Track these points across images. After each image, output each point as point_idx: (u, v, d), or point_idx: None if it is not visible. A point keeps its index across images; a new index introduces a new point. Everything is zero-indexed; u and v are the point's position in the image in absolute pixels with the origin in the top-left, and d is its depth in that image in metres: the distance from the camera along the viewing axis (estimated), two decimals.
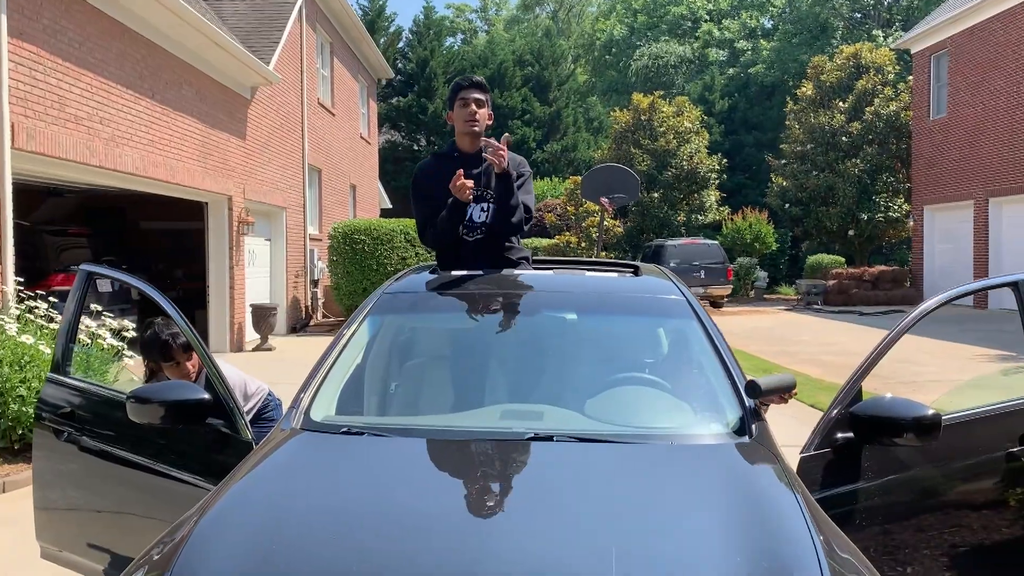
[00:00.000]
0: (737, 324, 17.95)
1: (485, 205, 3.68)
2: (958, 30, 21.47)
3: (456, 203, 3.56)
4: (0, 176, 7.93)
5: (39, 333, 7.05)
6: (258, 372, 5.05)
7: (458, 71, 35.00)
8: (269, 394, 4.33)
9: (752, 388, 2.60)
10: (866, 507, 2.75)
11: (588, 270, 3.81)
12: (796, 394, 2.90)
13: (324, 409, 2.73)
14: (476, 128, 3.67)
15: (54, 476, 3.52)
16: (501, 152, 3.51)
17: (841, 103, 26.37)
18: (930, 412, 2.54)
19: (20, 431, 6.51)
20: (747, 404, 2.64)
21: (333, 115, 20.87)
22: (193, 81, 12.43)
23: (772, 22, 46.78)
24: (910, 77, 25.63)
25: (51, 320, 7.45)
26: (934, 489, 2.86)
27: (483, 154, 3.58)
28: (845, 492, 2.73)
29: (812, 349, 13.81)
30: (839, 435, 2.74)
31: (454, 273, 3.51)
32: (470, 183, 3.51)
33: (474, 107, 3.65)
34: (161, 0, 10.26)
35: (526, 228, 3.76)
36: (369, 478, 2.30)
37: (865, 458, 2.76)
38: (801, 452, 2.75)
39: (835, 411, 2.77)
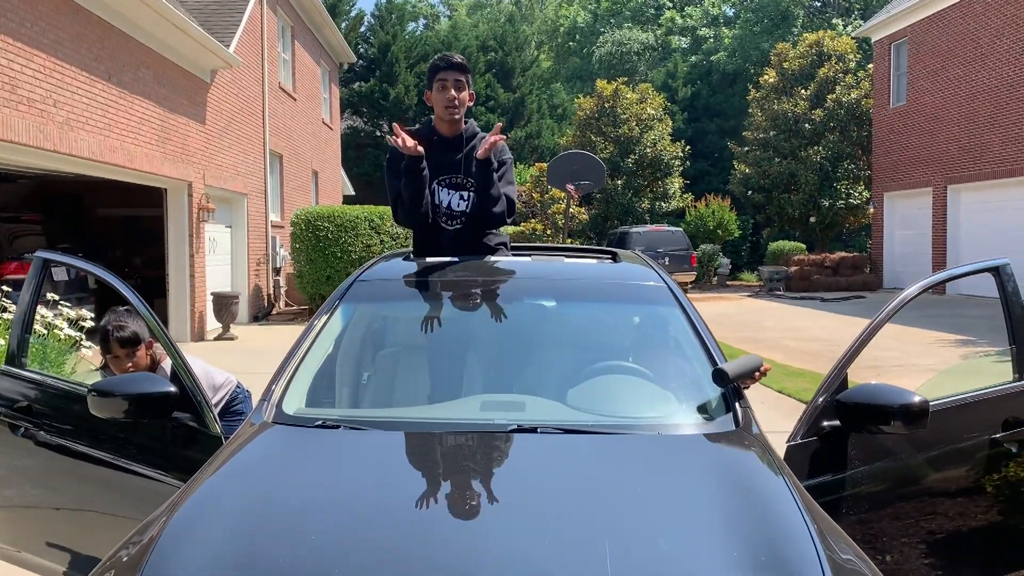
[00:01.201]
0: (702, 310, 17.88)
1: (465, 194, 3.55)
2: (917, 18, 21.73)
3: (410, 163, 3.38)
4: None
5: None
6: (221, 362, 4.92)
7: (421, 56, 34.68)
8: (237, 386, 4.21)
9: (719, 376, 2.54)
10: (853, 495, 2.72)
11: (567, 256, 3.74)
12: (769, 370, 2.81)
13: (297, 401, 2.63)
14: (456, 115, 3.51)
15: (10, 473, 3.37)
16: (495, 139, 3.38)
17: (803, 91, 26.60)
18: (917, 399, 2.51)
19: None
20: (732, 392, 2.59)
21: (294, 100, 20.53)
22: (151, 64, 12.10)
23: (734, 10, 47.03)
24: (871, 65, 25.93)
25: (4, 310, 7.20)
26: (920, 476, 2.85)
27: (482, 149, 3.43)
28: (832, 480, 2.70)
29: (776, 335, 13.93)
30: (825, 423, 2.71)
31: (430, 260, 3.41)
32: (409, 139, 3.34)
33: (453, 91, 3.48)
34: None
35: (509, 220, 3.63)
36: (347, 474, 2.21)
37: (851, 446, 2.73)
38: (788, 441, 2.71)
39: (821, 399, 2.73)
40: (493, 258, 3.54)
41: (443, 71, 3.49)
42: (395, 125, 3.36)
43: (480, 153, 3.41)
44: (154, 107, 12.19)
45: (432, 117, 3.63)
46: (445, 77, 3.48)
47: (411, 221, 3.56)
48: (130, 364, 3.77)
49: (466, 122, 3.62)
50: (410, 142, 3.33)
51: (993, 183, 18.99)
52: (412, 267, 3.38)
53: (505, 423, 2.42)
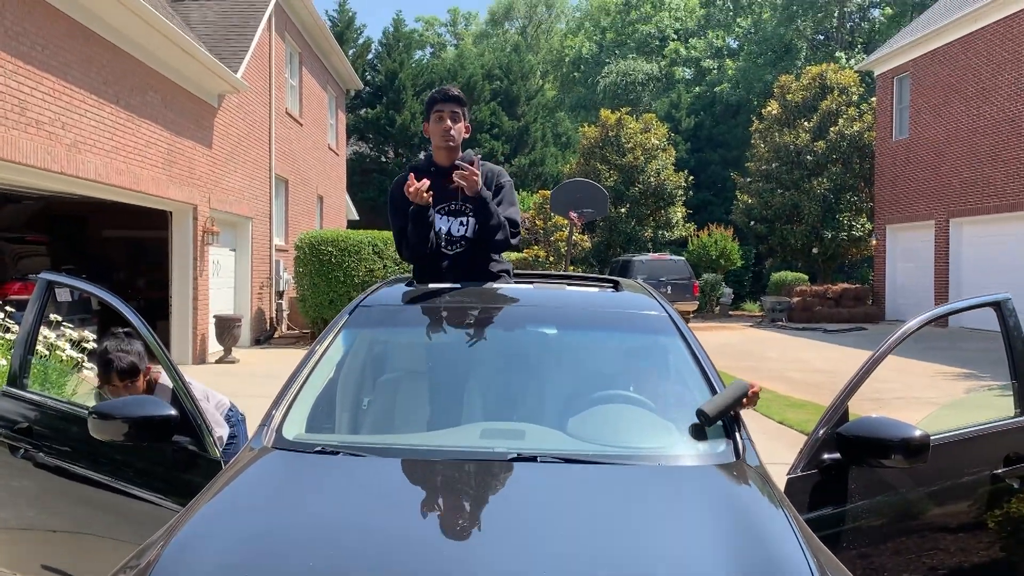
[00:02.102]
0: (704, 340, 17.87)
1: (464, 219, 3.59)
2: (920, 53, 21.90)
3: (417, 210, 3.46)
4: None
5: None
6: (221, 385, 4.91)
7: (427, 84, 34.95)
8: (231, 408, 4.19)
9: (701, 416, 2.53)
10: (854, 528, 2.71)
11: (568, 284, 3.75)
12: (759, 391, 2.74)
13: (296, 427, 2.63)
14: (451, 143, 3.60)
15: (7, 494, 3.36)
16: (473, 177, 3.42)
17: (806, 123, 26.75)
18: (918, 433, 2.51)
19: None
20: (733, 423, 2.58)
21: (301, 125, 20.68)
22: (159, 87, 12.21)
23: (738, 42, 47.46)
24: (873, 98, 26.09)
25: (7, 330, 7.20)
26: (921, 510, 2.83)
27: (454, 176, 3.48)
28: (833, 514, 2.69)
29: (778, 365, 13.90)
30: (826, 456, 2.70)
31: (432, 286, 3.42)
32: (424, 184, 3.40)
33: (449, 122, 3.57)
34: (127, 4, 10.07)
35: (514, 242, 3.68)
36: (346, 500, 2.20)
37: (852, 479, 2.72)
38: (788, 473, 2.70)
39: (822, 431, 2.72)
40: (495, 285, 3.55)
41: (440, 103, 3.60)
42: (411, 175, 3.42)
43: (468, 190, 3.45)
44: (161, 130, 12.28)
45: (431, 150, 3.70)
46: (441, 109, 3.59)
47: (416, 260, 3.64)
48: (135, 387, 3.78)
49: (462, 152, 3.69)
50: (424, 193, 3.40)
51: (995, 217, 19.03)
52: (414, 293, 3.39)
53: (505, 451, 2.41)
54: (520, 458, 2.36)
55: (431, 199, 3.46)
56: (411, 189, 3.39)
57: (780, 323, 22.95)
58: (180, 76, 12.82)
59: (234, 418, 4.20)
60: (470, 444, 2.56)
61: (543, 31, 61.63)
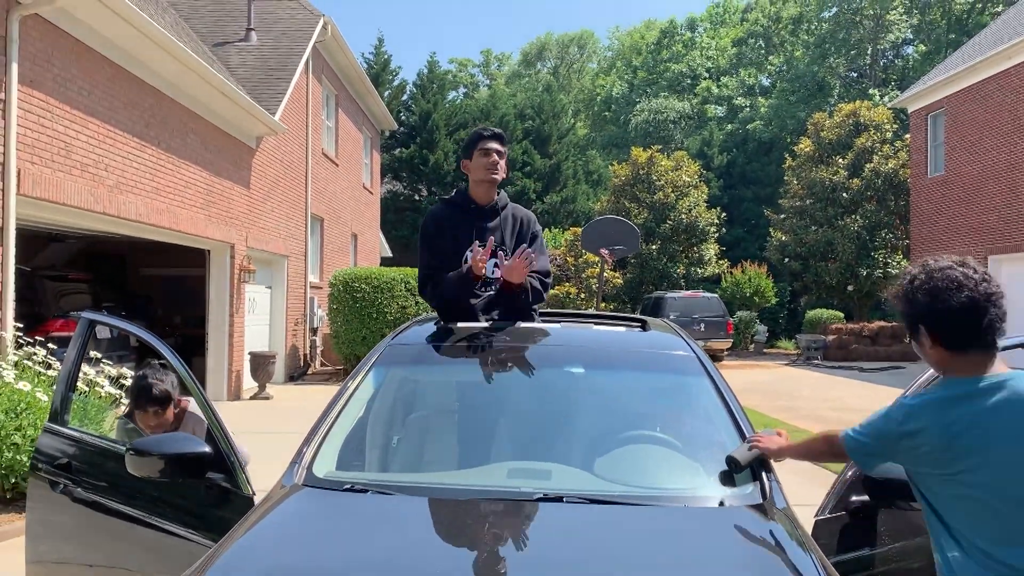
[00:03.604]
0: (737, 378, 17.85)
1: (498, 261, 3.59)
2: (954, 90, 21.77)
3: (468, 278, 3.47)
4: (5, 222, 7.93)
5: (36, 380, 6.98)
6: (255, 421, 4.99)
7: (460, 124, 35.40)
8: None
9: (732, 464, 2.56)
10: (883, 573, 2.67)
11: (595, 324, 3.77)
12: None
13: (327, 464, 2.67)
14: (496, 177, 3.63)
15: (47, 528, 3.44)
16: (525, 271, 3.42)
17: (840, 159, 26.62)
18: None
19: (13, 480, 6.40)
20: (760, 465, 2.58)
21: (336, 165, 21.03)
22: (199, 130, 12.53)
23: (770, 80, 47.54)
24: (907, 135, 25.93)
25: (48, 367, 7.38)
26: None
27: (506, 266, 3.47)
28: (862, 557, 2.66)
29: (812, 404, 13.71)
30: (854, 498, 2.68)
31: (461, 325, 3.46)
32: (482, 261, 3.42)
33: (496, 157, 3.62)
34: (169, 50, 10.39)
35: (546, 296, 3.71)
36: (373, 539, 2.23)
37: (881, 522, 2.69)
38: (816, 515, 2.68)
39: (850, 473, 2.71)
40: (523, 324, 3.58)
41: (485, 139, 3.65)
42: (477, 250, 3.44)
43: (515, 278, 3.45)
44: (200, 171, 12.57)
45: (466, 186, 3.73)
46: (487, 146, 3.63)
47: (438, 303, 3.60)
48: (157, 422, 3.86)
49: (498, 193, 3.73)
50: (482, 267, 3.44)
51: None
52: (443, 332, 3.43)
53: (531, 491, 2.43)
54: (546, 498, 2.38)
55: (484, 275, 3.48)
56: (476, 259, 3.41)
57: (816, 361, 22.65)
58: (220, 119, 13.15)
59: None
60: (497, 483, 2.58)
61: (575, 71, 62.27)
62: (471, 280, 3.48)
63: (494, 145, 3.63)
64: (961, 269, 2.30)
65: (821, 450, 2.56)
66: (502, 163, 3.65)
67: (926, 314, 2.28)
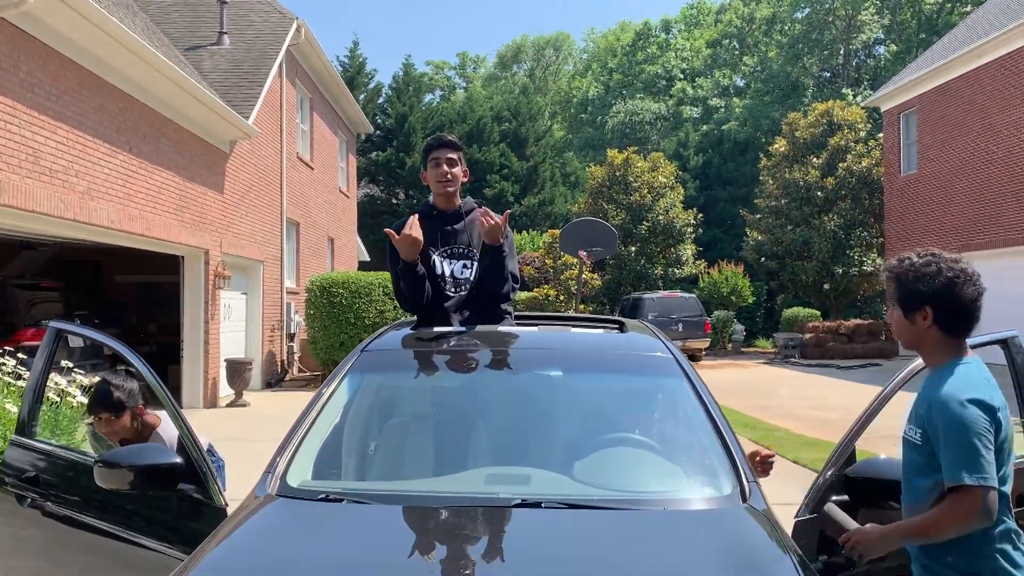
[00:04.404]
0: (716, 377, 17.92)
1: (468, 263, 3.62)
2: (925, 89, 22.02)
3: (405, 266, 3.49)
4: None
5: (6, 391, 6.85)
6: (232, 429, 4.92)
7: (437, 127, 35.33)
8: (210, 450, 4.10)
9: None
10: (864, 573, 2.67)
11: (573, 326, 3.75)
12: (773, 458, 3.03)
13: (301, 473, 2.63)
14: (450, 188, 3.65)
15: (16, 543, 3.37)
16: (499, 226, 3.45)
17: (815, 159, 26.83)
18: None
19: None
20: (740, 465, 2.56)
21: (312, 169, 20.89)
22: (171, 134, 12.39)
23: (744, 80, 47.88)
24: (880, 134, 26.19)
25: (19, 377, 7.25)
26: None
27: (480, 217, 3.52)
28: (840, 558, 2.65)
29: (790, 403, 13.79)
30: (834, 498, 2.67)
31: (436, 329, 3.43)
32: (414, 235, 3.43)
33: (445, 167, 3.62)
34: (140, 55, 10.26)
35: (512, 297, 3.72)
36: (348, 549, 2.19)
37: (861, 521, 2.68)
38: (796, 516, 2.67)
39: (828, 472, 2.70)
40: (499, 328, 3.56)
41: (436, 150, 3.66)
42: (388, 231, 3.53)
43: (489, 237, 3.48)
44: (173, 176, 12.43)
45: (431, 196, 3.75)
46: (438, 155, 3.64)
47: (411, 307, 3.64)
48: (109, 429, 3.74)
49: (462, 198, 3.75)
50: (407, 242, 3.42)
51: (1007, 251, 18.95)
52: (419, 337, 3.40)
53: (509, 497, 2.40)
54: (524, 504, 2.35)
55: (418, 250, 3.48)
56: (401, 235, 3.42)
57: (793, 360, 22.80)
58: (193, 123, 13.01)
59: (216, 463, 4.14)
60: (474, 490, 2.55)
61: (551, 73, 62.39)
62: (410, 268, 3.48)
63: (444, 154, 3.63)
64: (967, 265, 2.54)
65: (947, 523, 2.27)
66: (455, 170, 3.65)
67: (938, 297, 2.46)
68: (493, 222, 3.46)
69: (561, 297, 24.46)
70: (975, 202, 20.01)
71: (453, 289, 3.60)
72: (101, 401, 3.73)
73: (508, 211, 3.71)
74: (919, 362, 2.89)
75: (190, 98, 12.13)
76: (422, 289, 3.54)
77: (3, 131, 8.24)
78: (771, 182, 27.64)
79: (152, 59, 10.51)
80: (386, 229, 3.59)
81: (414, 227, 3.43)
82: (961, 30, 23.19)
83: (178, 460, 2.77)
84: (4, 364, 7.32)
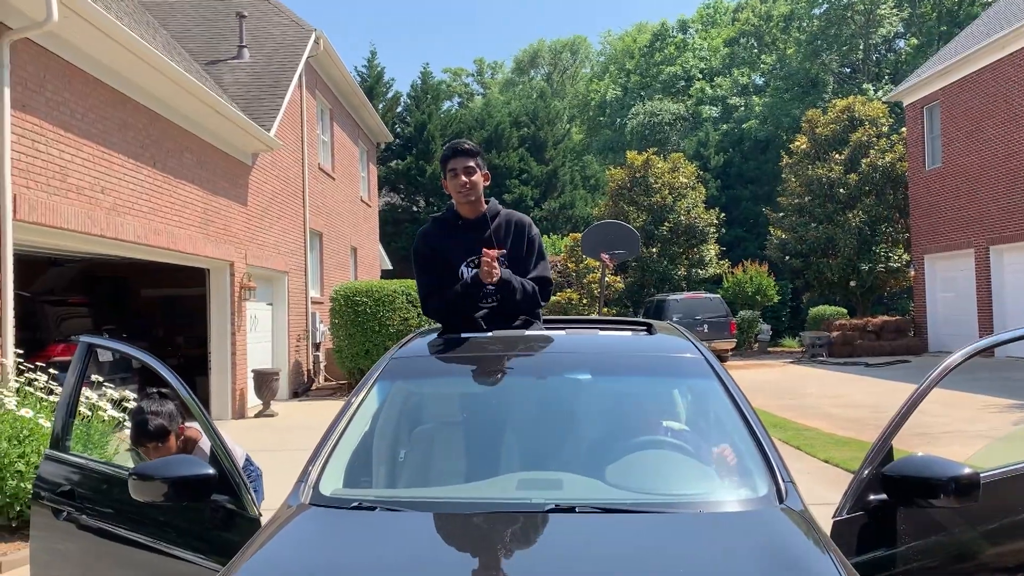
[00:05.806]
0: (743, 377, 17.78)
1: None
2: (948, 82, 21.76)
3: (475, 281, 3.46)
4: (2, 248, 7.90)
5: (38, 406, 6.93)
6: (261, 439, 4.94)
7: (456, 133, 35.41)
8: (247, 461, 4.14)
9: None
10: (905, 572, 2.62)
11: (601, 329, 3.72)
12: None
13: (334, 482, 2.63)
14: (472, 197, 3.59)
15: (52, 556, 3.39)
16: (494, 268, 3.42)
17: (837, 155, 26.59)
18: (967, 471, 2.43)
19: (18, 507, 6.35)
20: (775, 466, 2.53)
21: (333, 179, 21.01)
22: (195, 149, 12.51)
23: (763, 78, 47.56)
24: (903, 129, 25.91)
25: (51, 392, 7.34)
26: (976, 551, 2.74)
27: (479, 269, 3.48)
28: (882, 557, 2.61)
29: (819, 402, 13.65)
30: (872, 497, 2.63)
31: (464, 336, 3.42)
32: (496, 273, 3.41)
33: (463, 177, 3.55)
34: (162, 70, 10.37)
35: (544, 303, 3.66)
36: (383, 557, 2.18)
37: (901, 520, 2.64)
38: (834, 516, 2.63)
39: (866, 471, 2.66)
40: (527, 332, 3.54)
41: (452, 159, 3.59)
42: (485, 250, 3.44)
43: (484, 279, 3.45)
44: (197, 190, 12.55)
45: (453, 203, 3.70)
46: (455, 165, 3.57)
47: (445, 317, 3.61)
48: (159, 455, 3.77)
49: (487, 201, 3.68)
50: (495, 275, 3.42)
51: None
52: (447, 343, 3.38)
53: (542, 502, 2.39)
54: (558, 509, 2.33)
55: (496, 281, 3.46)
56: (484, 269, 3.41)
57: (820, 358, 22.59)
58: (215, 137, 13.13)
59: (253, 473, 4.16)
60: (507, 496, 2.53)
61: (568, 77, 62.38)
62: (478, 287, 3.45)
63: (461, 163, 3.56)
64: None
65: None
66: (475, 178, 3.57)
67: None
68: (487, 270, 3.42)
69: (584, 301, 24.41)
70: (1003, 194, 19.73)
71: (482, 300, 3.56)
72: (144, 432, 3.75)
73: (499, 251, 3.55)
74: (953, 358, 2.85)
75: (212, 112, 12.24)
76: (475, 306, 3.52)
77: (31, 149, 8.35)
78: (793, 180, 27.42)
79: (175, 75, 10.61)
80: (484, 261, 3.47)
81: (490, 258, 3.41)
82: (983, 21, 22.91)
83: (211, 471, 2.78)
84: (36, 380, 7.40)
